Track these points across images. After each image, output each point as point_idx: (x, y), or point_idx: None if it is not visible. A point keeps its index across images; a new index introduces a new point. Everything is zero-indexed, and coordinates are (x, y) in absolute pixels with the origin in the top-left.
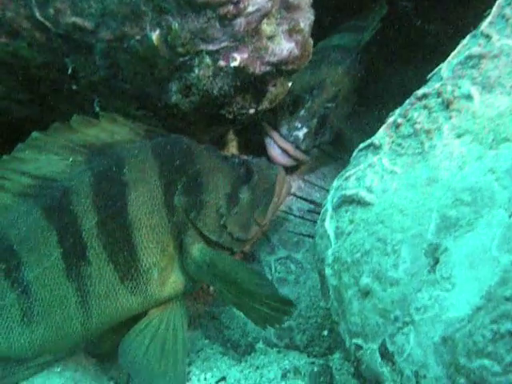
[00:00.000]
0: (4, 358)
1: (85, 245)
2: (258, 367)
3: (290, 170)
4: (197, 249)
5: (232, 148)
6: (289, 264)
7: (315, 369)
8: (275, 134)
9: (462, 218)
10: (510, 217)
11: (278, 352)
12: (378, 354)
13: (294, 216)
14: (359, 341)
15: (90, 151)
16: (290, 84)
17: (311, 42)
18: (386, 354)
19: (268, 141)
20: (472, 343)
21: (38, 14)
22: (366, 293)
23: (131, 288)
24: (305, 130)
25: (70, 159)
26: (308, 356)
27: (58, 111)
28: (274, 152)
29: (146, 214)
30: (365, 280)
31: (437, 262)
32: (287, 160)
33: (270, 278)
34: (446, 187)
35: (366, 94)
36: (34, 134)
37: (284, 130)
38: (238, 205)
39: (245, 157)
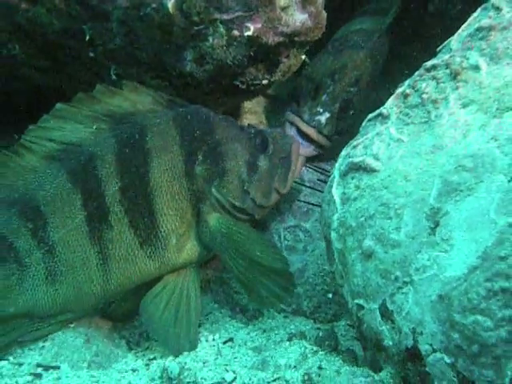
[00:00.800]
0: (29, 315)
1: (107, 209)
2: (264, 330)
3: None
4: (214, 218)
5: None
6: (298, 232)
7: (320, 333)
8: (297, 120)
9: (463, 183)
10: (509, 182)
11: (285, 317)
12: (378, 313)
13: (305, 186)
14: (361, 301)
15: (113, 120)
16: (303, 57)
17: (325, 14)
18: (385, 313)
19: (289, 130)
20: (467, 300)
21: None
22: (368, 255)
23: (149, 253)
24: (327, 114)
25: (94, 127)
26: (314, 322)
27: (76, 79)
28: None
29: (166, 182)
30: (368, 243)
31: (437, 224)
32: (309, 150)
33: (279, 245)
34: (449, 154)
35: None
36: (58, 104)
37: (306, 115)
38: (257, 172)
39: (260, 127)
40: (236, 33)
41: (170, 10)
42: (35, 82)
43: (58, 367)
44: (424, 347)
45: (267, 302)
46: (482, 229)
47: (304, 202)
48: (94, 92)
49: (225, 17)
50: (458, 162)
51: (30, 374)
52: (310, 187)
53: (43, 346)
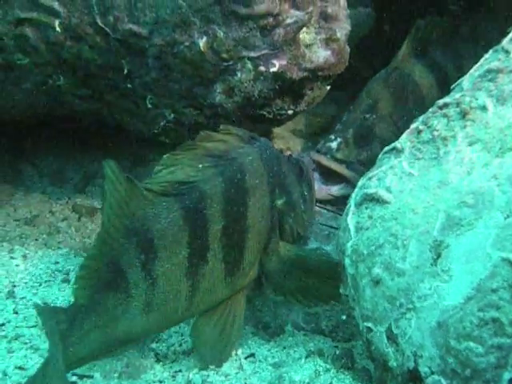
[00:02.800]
0: (121, 342)
1: (208, 247)
2: (285, 347)
3: None
4: (283, 246)
5: None
6: None
7: (337, 352)
8: (312, 152)
9: (464, 218)
10: (505, 219)
11: (305, 335)
12: (384, 336)
13: (327, 210)
14: (370, 324)
15: (213, 157)
16: (328, 87)
17: (348, 49)
18: (391, 336)
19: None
20: (462, 328)
21: (99, 21)
22: (377, 281)
23: (229, 283)
24: (339, 139)
25: (200, 166)
26: (332, 340)
27: (114, 106)
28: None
29: (258, 219)
30: (376, 270)
31: (439, 256)
32: (334, 189)
33: None
34: (454, 190)
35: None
36: (165, 156)
37: (319, 145)
38: (306, 201)
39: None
40: (262, 68)
41: (202, 47)
42: (77, 108)
43: (92, 376)
44: (424, 369)
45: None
46: (478, 262)
47: (326, 225)
48: (196, 139)
49: (252, 54)
50: (461, 198)
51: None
52: (332, 211)
53: None
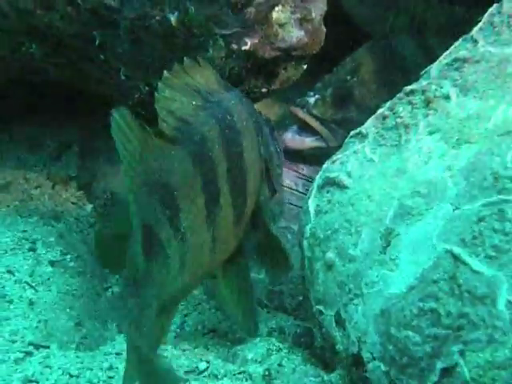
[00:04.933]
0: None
1: (219, 191)
2: None
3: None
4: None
5: None
6: (286, 234)
7: (298, 330)
8: (295, 109)
9: (416, 208)
10: (453, 210)
11: (268, 312)
12: (333, 320)
13: (298, 192)
14: (321, 307)
15: (201, 96)
16: (304, 67)
17: (323, 29)
18: (339, 321)
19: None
20: (402, 316)
21: None
22: (329, 266)
23: (237, 231)
24: (317, 96)
25: (194, 103)
26: (294, 318)
27: (88, 75)
28: (286, 137)
29: (253, 161)
30: (330, 255)
31: (388, 244)
32: (308, 140)
33: None
34: (409, 179)
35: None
36: (165, 73)
37: (298, 100)
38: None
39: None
40: (234, 46)
41: (173, 23)
42: (52, 76)
43: (48, 347)
44: (366, 355)
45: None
46: (423, 253)
47: (294, 205)
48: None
49: (223, 32)
50: (415, 187)
51: (22, 351)
52: (301, 192)
53: (37, 327)
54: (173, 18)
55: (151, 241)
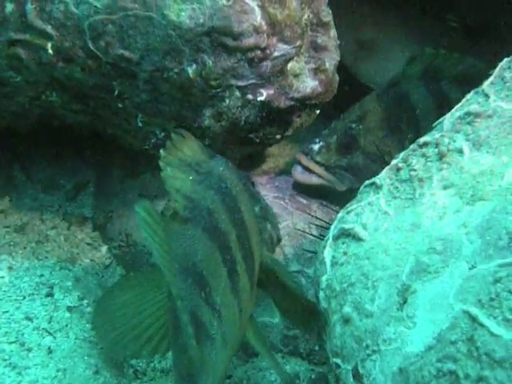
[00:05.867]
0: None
1: (234, 260)
2: (261, 369)
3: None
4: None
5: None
6: (300, 278)
7: (313, 376)
8: (301, 155)
9: (432, 265)
10: (469, 269)
11: (282, 357)
12: (350, 375)
13: (312, 235)
14: (338, 360)
15: (192, 169)
16: (317, 112)
17: (336, 78)
18: (356, 376)
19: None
20: (420, 376)
21: (91, 45)
22: (346, 320)
23: (251, 296)
24: (321, 143)
25: (190, 178)
26: (309, 363)
27: (106, 121)
28: (295, 171)
29: (253, 225)
30: (347, 309)
31: (405, 301)
32: (307, 177)
33: None
34: (425, 234)
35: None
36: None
37: (303, 146)
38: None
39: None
40: (250, 97)
41: (191, 75)
42: (69, 121)
43: None
44: None
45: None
46: (441, 312)
47: (308, 250)
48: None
49: (240, 83)
50: (431, 243)
51: None
52: (314, 236)
53: (55, 376)
54: (190, 71)
55: (198, 327)
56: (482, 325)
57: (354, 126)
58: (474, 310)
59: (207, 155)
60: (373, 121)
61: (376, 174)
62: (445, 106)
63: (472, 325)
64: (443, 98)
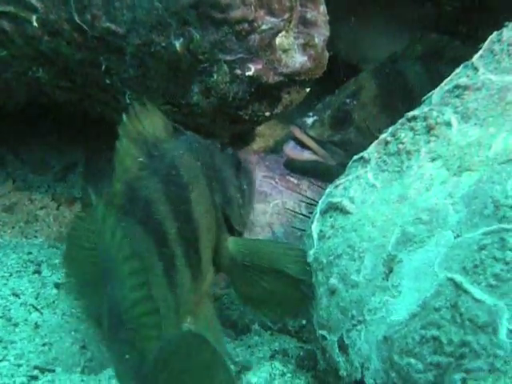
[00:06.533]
0: None
1: (172, 254)
2: (250, 346)
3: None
4: (232, 241)
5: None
6: None
7: (301, 353)
8: (294, 128)
9: (418, 235)
10: (455, 238)
11: (271, 334)
12: (336, 346)
13: (302, 215)
14: (324, 332)
15: (148, 152)
16: (307, 90)
17: (326, 54)
18: (342, 346)
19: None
20: (405, 344)
21: (76, 18)
22: (332, 291)
23: (195, 288)
24: (315, 117)
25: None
26: (297, 341)
27: (94, 98)
28: (286, 147)
29: (203, 215)
30: (333, 280)
31: (391, 271)
32: (304, 154)
33: None
34: (411, 205)
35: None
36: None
37: (297, 120)
38: (243, 196)
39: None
40: (238, 72)
41: (178, 49)
42: (58, 98)
43: (53, 370)
44: (369, 381)
45: (283, 315)
46: (426, 280)
47: (297, 228)
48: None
49: (228, 57)
50: (417, 214)
51: (28, 375)
52: (304, 215)
53: (42, 350)
54: (178, 45)
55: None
56: (465, 291)
57: (348, 101)
58: (459, 277)
59: (169, 133)
60: (367, 97)
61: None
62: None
63: (456, 291)
64: (440, 78)
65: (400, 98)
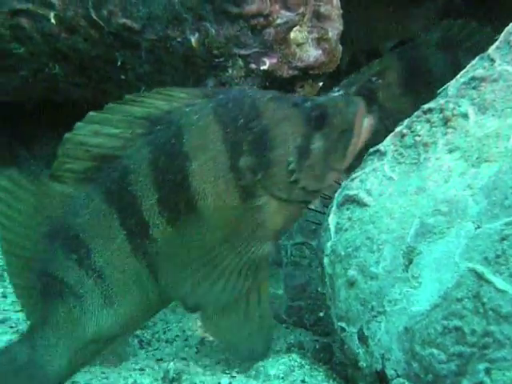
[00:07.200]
0: (95, 341)
1: (147, 223)
2: None
3: None
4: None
5: None
6: (304, 249)
7: (317, 346)
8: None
9: (437, 226)
10: (475, 229)
11: (287, 328)
12: (356, 337)
13: (316, 211)
14: (343, 324)
15: (149, 122)
16: (320, 83)
17: (340, 48)
18: (362, 338)
19: None
20: (426, 334)
21: (93, 15)
22: (351, 283)
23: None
24: (341, 92)
25: (130, 132)
26: (313, 334)
27: (109, 94)
28: None
29: (210, 183)
30: (352, 272)
31: (411, 262)
32: None
33: (285, 261)
34: (430, 197)
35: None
36: (91, 113)
37: (322, 95)
38: (310, 157)
39: (319, 97)
40: (253, 66)
41: (194, 44)
42: (73, 96)
43: None
44: (390, 372)
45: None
46: (447, 271)
47: (312, 221)
48: (124, 100)
49: (243, 52)
50: (436, 205)
51: None
52: (319, 211)
53: None
54: (193, 40)
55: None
56: (488, 281)
57: (374, 79)
58: (480, 268)
59: (200, 96)
60: (391, 77)
61: (389, 130)
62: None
63: (478, 282)
64: (459, 66)
65: (422, 82)
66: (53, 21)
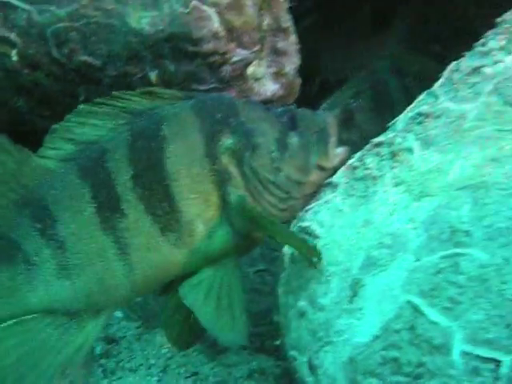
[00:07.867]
0: (50, 311)
1: (119, 198)
2: (229, 365)
3: None
4: (236, 195)
5: None
6: (265, 276)
7: (279, 371)
8: None
9: (381, 259)
10: (414, 262)
11: (249, 354)
12: (306, 366)
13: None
14: (295, 353)
15: (131, 115)
16: None
17: (298, 81)
18: (311, 367)
19: None
20: (367, 365)
21: (55, 52)
22: (301, 314)
23: (174, 240)
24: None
25: (113, 123)
26: (275, 360)
27: None
28: None
29: (184, 165)
30: (302, 303)
31: (355, 294)
32: None
33: (247, 287)
34: (376, 230)
35: None
36: (81, 106)
37: None
38: (289, 148)
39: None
40: None
41: (153, 80)
42: (38, 126)
43: None
44: None
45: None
46: (388, 303)
47: (273, 249)
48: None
49: (202, 87)
50: (381, 238)
51: None
52: None
53: None
54: (153, 75)
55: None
56: (422, 313)
57: (351, 101)
58: (416, 300)
59: (181, 97)
60: (364, 100)
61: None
62: (410, 102)
63: (414, 314)
64: (408, 93)
65: (386, 106)
66: (14, 58)
